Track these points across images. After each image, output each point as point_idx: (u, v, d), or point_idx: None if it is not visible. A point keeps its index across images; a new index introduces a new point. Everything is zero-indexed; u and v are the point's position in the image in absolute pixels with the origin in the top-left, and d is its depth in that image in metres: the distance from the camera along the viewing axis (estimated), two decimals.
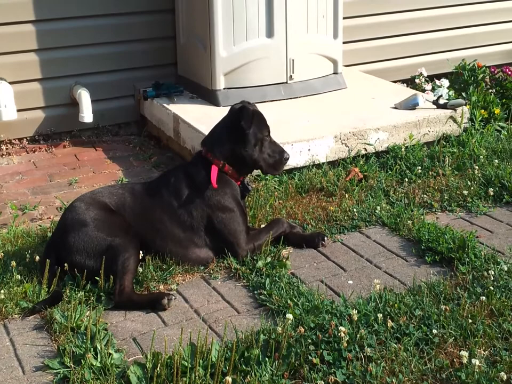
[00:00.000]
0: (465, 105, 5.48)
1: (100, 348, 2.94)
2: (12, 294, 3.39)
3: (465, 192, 4.43)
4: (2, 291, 3.39)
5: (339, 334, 2.94)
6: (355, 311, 3.10)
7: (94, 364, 2.88)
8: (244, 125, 3.69)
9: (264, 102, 5.55)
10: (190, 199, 3.73)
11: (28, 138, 5.71)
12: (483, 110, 5.67)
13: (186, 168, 3.89)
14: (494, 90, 6.29)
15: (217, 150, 3.77)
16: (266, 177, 4.60)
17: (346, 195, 4.45)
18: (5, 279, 3.52)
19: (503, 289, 3.33)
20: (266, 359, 2.86)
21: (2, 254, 3.71)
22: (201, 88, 5.68)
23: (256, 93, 5.58)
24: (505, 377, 2.69)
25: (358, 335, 2.98)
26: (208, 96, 5.59)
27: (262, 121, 3.83)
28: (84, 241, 3.51)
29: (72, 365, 2.89)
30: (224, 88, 5.54)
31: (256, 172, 4.63)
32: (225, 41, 5.43)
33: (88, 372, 2.84)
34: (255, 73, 5.57)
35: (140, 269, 3.59)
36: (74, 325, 3.14)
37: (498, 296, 3.27)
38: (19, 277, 3.51)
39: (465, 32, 7.20)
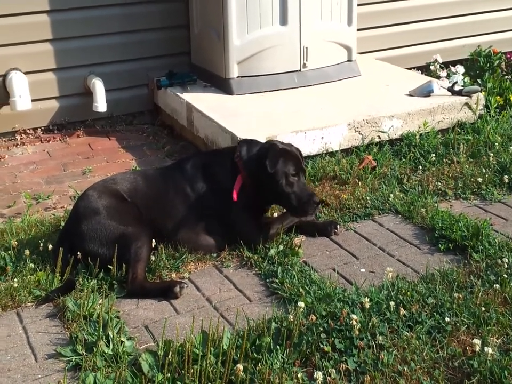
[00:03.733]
0: (481, 91, 5.43)
1: (112, 336, 2.95)
2: (25, 282, 3.42)
3: (480, 180, 4.39)
4: (16, 279, 3.42)
5: (351, 322, 2.93)
6: (367, 299, 3.09)
7: (106, 352, 2.89)
8: (268, 164, 3.65)
9: (278, 90, 5.54)
10: (206, 190, 3.72)
11: (42, 128, 5.73)
12: (498, 97, 5.62)
13: (208, 159, 3.91)
14: (510, 77, 6.23)
15: (248, 165, 3.74)
16: None
17: (360, 183, 4.43)
18: (18, 267, 3.55)
19: None
20: (278, 347, 2.86)
21: (16, 242, 3.73)
22: (214, 76, 5.66)
23: (270, 81, 5.56)
24: None
25: (370, 323, 2.97)
26: (222, 85, 5.57)
27: (290, 160, 3.73)
28: (97, 230, 3.52)
29: (84, 353, 2.90)
30: (237, 77, 5.52)
31: None
32: (239, 29, 5.41)
33: (100, 359, 2.86)
34: (268, 61, 5.55)
35: (153, 257, 3.60)
36: (86, 313, 3.15)
37: None
38: (32, 265, 3.54)
39: (480, 18, 7.12)
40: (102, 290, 3.36)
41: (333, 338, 2.90)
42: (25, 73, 5.49)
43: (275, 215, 3.99)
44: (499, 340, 2.89)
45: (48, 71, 5.64)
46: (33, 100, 5.48)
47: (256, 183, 3.73)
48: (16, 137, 5.62)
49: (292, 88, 5.60)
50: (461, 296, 3.14)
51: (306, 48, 5.61)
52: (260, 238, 3.73)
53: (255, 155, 3.76)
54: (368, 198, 4.24)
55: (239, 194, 3.70)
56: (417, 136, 4.98)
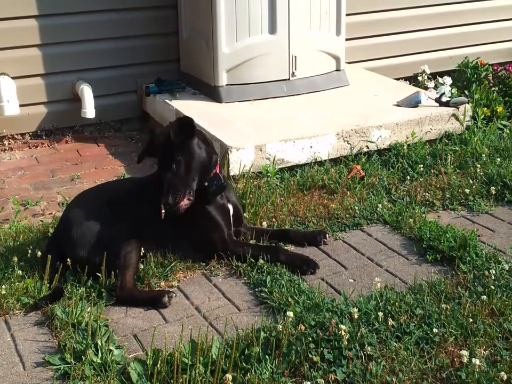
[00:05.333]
0: (468, 103, 5.48)
1: (100, 344, 2.95)
2: (13, 289, 3.40)
3: (467, 191, 4.42)
4: (3, 286, 3.40)
5: (339, 332, 2.93)
6: (356, 310, 3.10)
7: (95, 360, 2.88)
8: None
9: (267, 98, 5.57)
10: None
11: (30, 133, 5.70)
12: (486, 108, 5.66)
13: None
14: (497, 88, 6.30)
15: None
16: (268, 174, 4.60)
17: (348, 193, 4.45)
18: (6, 274, 3.53)
19: (504, 289, 3.32)
20: (267, 356, 2.86)
21: (4, 249, 3.71)
22: (203, 84, 5.68)
23: (259, 90, 5.59)
24: (505, 377, 2.68)
25: (359, 334, 2.97)
26: (211, 92, 5.59)
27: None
28: (86, 236, 3.52)
29: (73, 361, 2.89)
30: (226, 85, 5.54)
31: (258, 169, 4.65)
32: (228, 37, 5.43)
33: (88, 368, 2.84)
34: (257, 69, 5.57)
35: (141, 266, 3.60)
36: (75, 321, 3.14)
37: (499, 296, 3.26)
38: (20, 272, 3.52)
39: (468, 30, 7.18)
40: (90, 298, 3.35)
41: (321, 348, 2.90)
42: (13, 78, 5.47)
43: (264, 224, 4.01)
44: (487, 351, 2.91)
45: (36, 76, 5.63)
46: (21, 105, 5.46)
47: None
48: (4, 143, 5.60)
49: (281, 96, 5.63)
50: (448, 307, 3.16)
51: (295, 57, 5.63)
52: (223, 249, 3.69)
53: None
54: (356, 207, 4.26)
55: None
56: (405, 147, 5.02)
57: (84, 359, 2.89)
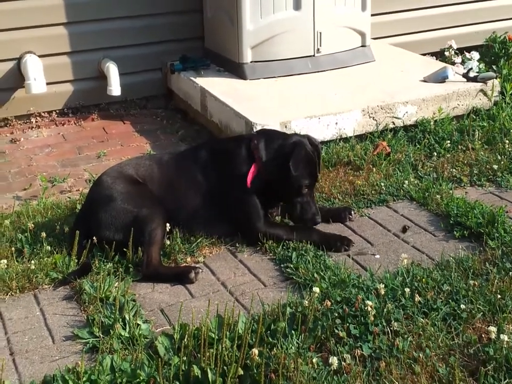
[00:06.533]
0: (496, 78, 5.39)
1: (128, 319, 2.98)
2: (42, 264, 3.44)
3: (495, 167, 4.38)
4: (32, 261, 3.45)
5: (366, 308, 2.94)
6: (382, 286, 3.10)
7: (123, 334, 2.92)
8: (293, 167, 3.58)
9: (291, 75, 5.53)
10: (218, 176, 3.71)
11: (57, 111, 5.74)
12: None
13: (223, 145, 3.91)
14: None
15: (266, 157, 3.66)
16: None
17: (374, 169, 4.42)
18: (35, 249, 3.58)
19: None
20: (293, 332, 2.88)
21: (32, 225, 3.75)
22: (228, 61, 5.66)
23: (283, 66, 5.55)
24: None
25: (385, 310, 2.97)
26: (235, 70, 5.57)
27: (309, 168, 3.66)
28: (111, 216, 3.54)
29: (101, 335, 2.93)
30: (251, 62, 5.51)
31: None
32: (252, 14, 5.39)
33: (116, 341, 2.88)
34: (282, 46, 5.53)
35: (168, 242, 3.62)
36: (103, 295, 3.18)
37: None
38: (49, 248, 3.56)
39: (496, 4, 7.04)
40: (118, 273, 3.38)
41: (347, 324, 2.91)
42: (40, 56, 5.50)
43: None
44: None
45: (63, 54, 5.65)
46: (48, 83, 5.48)
47: (269, 176, 3.65)
48: (31, 120, 5.64)
49: (306, 73, 5.58)
50: (476, 283, 3.14)
51: (320, 33, 5.58)
52: (259, 229, 3.67)
53: (277, 150, 3.66)
54: (382, 184, 4.24)
55: (251, 182, 3.68)
56: (431, 123, 4.97)
57: (112, 333, 2.92)
